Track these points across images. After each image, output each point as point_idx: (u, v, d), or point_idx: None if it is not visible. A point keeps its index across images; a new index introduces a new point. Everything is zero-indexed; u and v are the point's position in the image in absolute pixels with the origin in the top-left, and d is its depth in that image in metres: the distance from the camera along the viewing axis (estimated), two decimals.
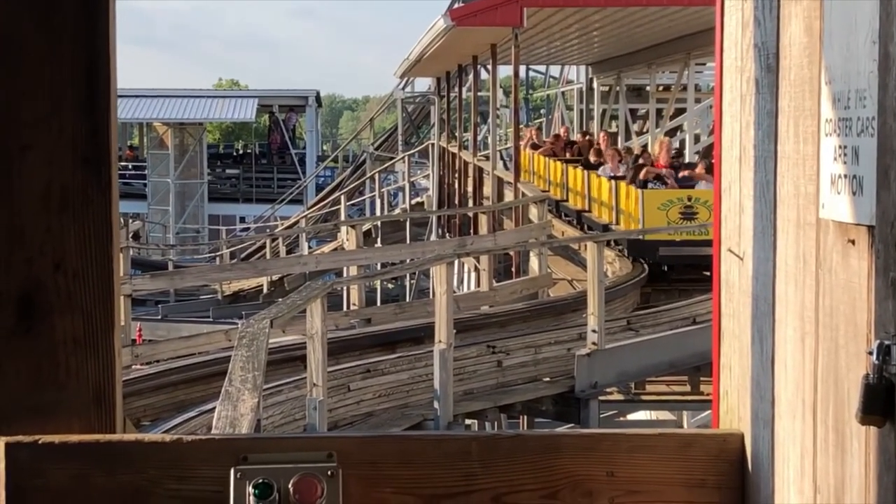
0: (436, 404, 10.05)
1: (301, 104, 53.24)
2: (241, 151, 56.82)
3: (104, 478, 1.81)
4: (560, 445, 1.85)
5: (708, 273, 12.58)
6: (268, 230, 34.67)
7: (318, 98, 55.03)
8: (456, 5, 22.27)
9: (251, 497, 1.76)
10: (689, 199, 16.41)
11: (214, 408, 9.09)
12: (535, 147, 25.11)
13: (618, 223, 17.68)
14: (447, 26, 19.13)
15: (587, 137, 24.87)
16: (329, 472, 1.78)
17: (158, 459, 1.82)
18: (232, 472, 1.78)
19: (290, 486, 1.76)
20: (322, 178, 48.03)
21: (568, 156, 23.16)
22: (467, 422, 11.02)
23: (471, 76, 26.74)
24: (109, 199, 1.86)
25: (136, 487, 1.81)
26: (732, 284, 1.93)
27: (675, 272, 16.27)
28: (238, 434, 1.84)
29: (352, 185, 36.40)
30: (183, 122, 48.49)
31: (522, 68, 27.59)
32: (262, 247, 28.91)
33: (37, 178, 1.83)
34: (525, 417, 12.44)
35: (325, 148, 62.39)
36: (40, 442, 1.81)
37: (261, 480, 1.76)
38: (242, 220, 46.10)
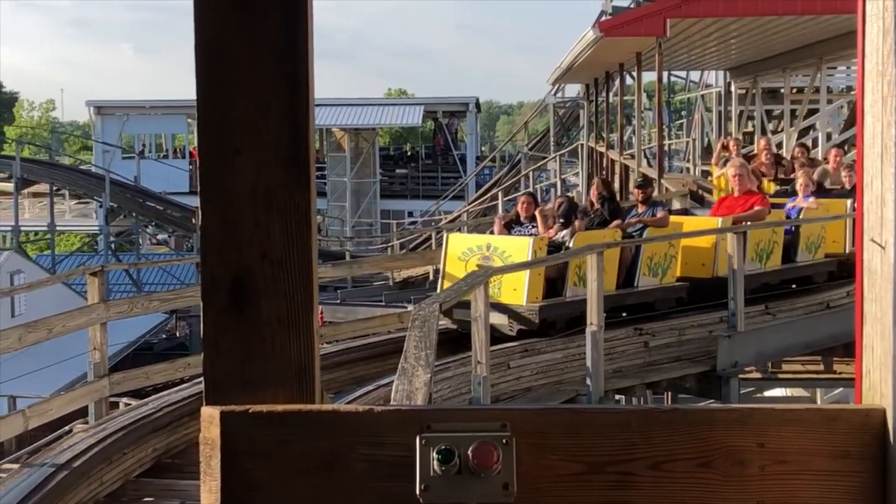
0: (588, 381, 9.99)
1: (462, 110, 53.44)
2: (409, 153, 57.23)
3: (305, 443, 1.85)
4: (714, 419, 1.84)
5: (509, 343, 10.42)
6: (433, 223, 34.88)
7: (477, 104, 55.16)
8: (604, 18, 22.07)
9: (435, 461, 1.78)
10: (489, 248, 11.51)
11: (389, 382, 9.23)
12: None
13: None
14: (596, 37, 19.00)
15: (799, 150, 17.04)
16: (504, 441, 1.79)
17: (353, 427, 1.85)
18: (417, 439, 1.80)
19: (469, 452, 1.78)
20: (481, 177, 48.13)
21: (780, 176, 15.71)
22: (616, 397, 10.96)
23: (617, 82, 26.50)
24: (308, 197, 1.90)
25: (333, 451, 1.84)
26: (874, 271, 1.89)
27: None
28: (423, 405, 1.86)
29: (508, 183, 36.44)
30: (358, 127, 49.11)
31: (665, 74, 27.22)
32: (428, 238, 29.10)
33: (246, 178, 1.88)
34: (669, 394, 12.32)
35: (483, 149, 62.47)
36: (250, 411, 1.85)
37: (443, 447, 1.78)
38: (410, 214, 46.53)
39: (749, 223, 12.27)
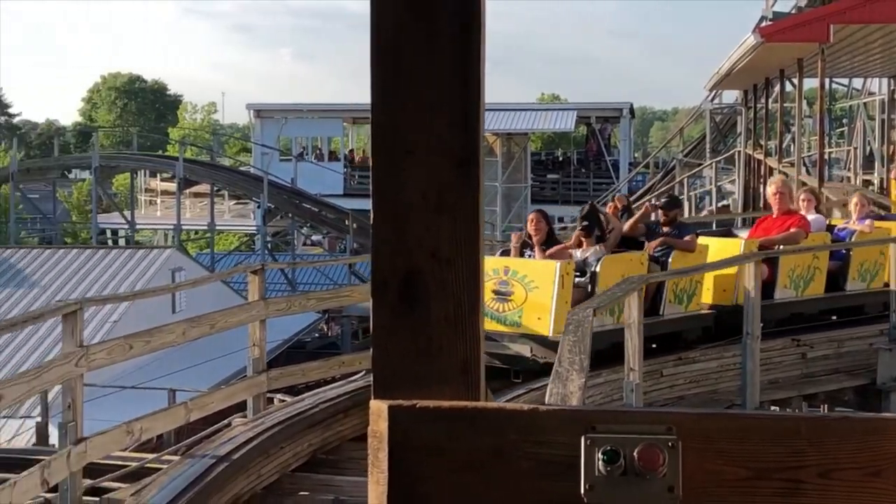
0: (743, 391, 9.86)
1: (616, 115, 53.09)
2: (560, 158, 57.10)
3: (470, 439, 1.87)
4: (886, 428, 1.81)
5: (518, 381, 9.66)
6: None
7: (631, 110, 54.68)
8: (764, 23, 21.69)
9: (600, 462, 1.79)
10: (507, 272, 10.44)
11: (539, 386, 9.25)
12: None
13: None
14: (756, 42, 18.68)
15: None
16: (669, 444, 1.79)
17: (517, 425, 1.87)
18: (583, 439, 1.82)
19: (634, 453, 1.78)
20: (634, 183, 47.72)
21: None
22: (772, 408, 10.77)
23: (776, 88, 26.01)
24: (477, 199, 1.93)
25: (497, 448, 1.86)
26: None
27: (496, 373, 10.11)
28: (586, 406, 1.88)
29: (661, 189, 36.03)
30: (510, 132, 49.25)
31: (826, 80, 26.62)
32: None
33: (418, 179, 1.91)
34: (826, 406, 12.04)
35: (636, 155, 61.96)
36: (417, 406, 1.89)
37: (609, 448, 1.79)
38: (561, 220, 46.19)
39: (781, 247, 11.34)
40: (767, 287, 11.14)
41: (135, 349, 8.63)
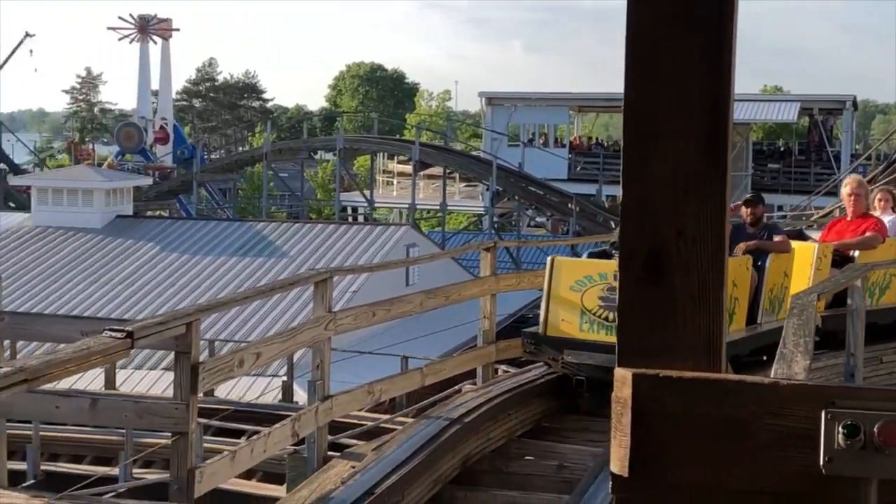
0: None
1: (839, 107, 51.20)
2: (782, 148, 55.47)
3: (711, 409, 1.88)
4: None
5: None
6: (803, 217, 33.67)
7: (854, 102, 52.60)
8: None
9: (840, 436, 1.78)
10: (616, 279, 7.02)
11: (759, 368, 9.05)
12: None
13: None
14: None
15: None
16: None
17: (758, 398, 1.86)
18: (823, 413, 1.80)
19: (874, 429, 1.76)
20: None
21: None
22: None
23: None
24: (724, 183, 1.93)
25: (737, 419, 1.87)
26: None
27: (588, 389, 9.14)
28: (825, 382, 1.85)
29: (882, 181, 34.60)
30: (733, 122, 48.18)
31: None
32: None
33: (666, 163, 1.93)
34: None
35: (857, 147, 59.59)
36: (660, 375, 1.90)
37: (849, 422, 1.77)
38: (780, 208, 45.01)
39: (857, 252, 10.16)
40: (838, 295, 9.71)
41: (377, 316, 8.86)
